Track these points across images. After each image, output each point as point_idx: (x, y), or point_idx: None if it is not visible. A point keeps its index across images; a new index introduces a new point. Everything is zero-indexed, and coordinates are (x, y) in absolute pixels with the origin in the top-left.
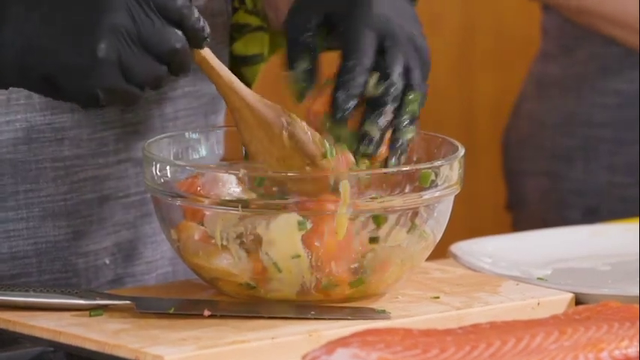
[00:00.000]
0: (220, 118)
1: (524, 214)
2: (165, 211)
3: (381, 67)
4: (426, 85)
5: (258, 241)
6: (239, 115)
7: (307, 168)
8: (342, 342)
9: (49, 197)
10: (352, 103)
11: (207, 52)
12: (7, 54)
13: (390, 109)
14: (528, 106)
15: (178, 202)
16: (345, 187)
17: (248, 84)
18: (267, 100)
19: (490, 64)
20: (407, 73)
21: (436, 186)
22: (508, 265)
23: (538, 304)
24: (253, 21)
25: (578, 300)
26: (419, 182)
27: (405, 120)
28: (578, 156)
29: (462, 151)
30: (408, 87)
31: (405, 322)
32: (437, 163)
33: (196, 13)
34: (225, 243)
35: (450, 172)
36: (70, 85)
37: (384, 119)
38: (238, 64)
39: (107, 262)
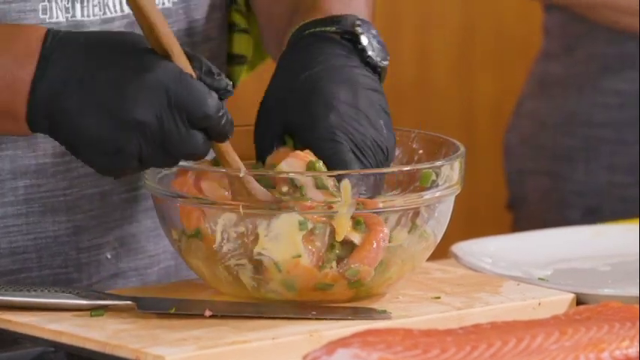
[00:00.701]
0: None
1: (524, 213)
2: (166, 211)
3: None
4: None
5: (258, 241)
6: (238, 193)
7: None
8: (343, 342)
9: (48, 192)
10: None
11: (226, 146)
12: (39, 111)
13: None
14: (529, 106)
15: (179, 202)
16: (346, 187)
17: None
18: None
19: (490, 64)
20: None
21: (437, 186)
22: (509, 265)
23: (539, 304)
24: (242, 22)
25: (579, 300)
26: (420, 182)
27: None
28: (578, 156)
29: (462, 151)
30: None
31: (406, 323)
32: (438, 163)
33: (225, 117)
34: (225, 243)
35: (451, 172)
36: (87, 157)
37: None
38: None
39: (109, 256)
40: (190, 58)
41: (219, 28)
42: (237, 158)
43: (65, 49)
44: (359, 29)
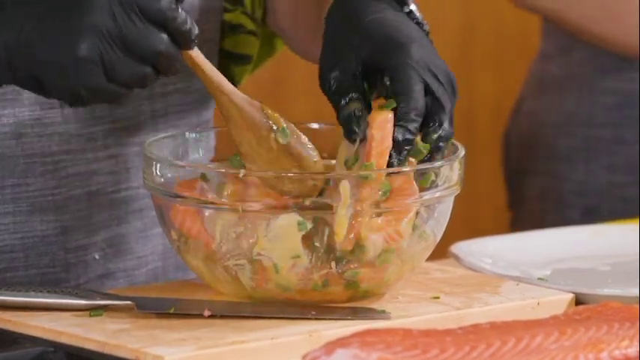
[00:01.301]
0: (210, 114)
1: (523, 213)
2: (166, 211)
3: (431, 111)
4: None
5: (257, 241)
6: (228, 115)
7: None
8: (342, 342)
9: (36, 192)
10: (409, 149)
11: (195, 53)
12: None
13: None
14: (528, 106)
15: (178, 203)
16: (344, 187)
17: (235, 82)
18: (256, 101)
19: (490, 64)
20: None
21: (436, 186)
22: (508, 265)
23: (538, 304)
24: (248, 24)
25: (578, 300)
26: (419, 183)
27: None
28: (577, 156)
29: (462, 152)
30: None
31: (405, 323)
32: (437, 164)
33: (183, 15)
34: (225, 243)
35: (451, 172)
36: (54, 84)
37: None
38: (227, 60)
39: (97, 257)
40: None
41: (213, 32)
42: (209, 64)
43: None
44: None
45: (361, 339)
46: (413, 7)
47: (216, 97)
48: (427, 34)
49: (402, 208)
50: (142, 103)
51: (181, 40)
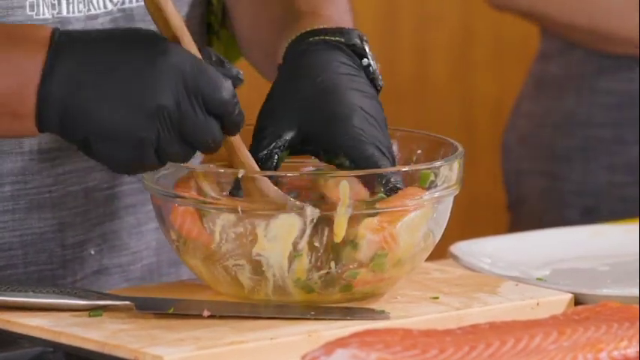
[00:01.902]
0: None
1: (523, 213)
2: (165, 211)
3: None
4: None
5: (256, 241)
6: (249, 194)
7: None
8: (341, 342)
9: (34, 189)
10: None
11: (236, 139)
12: (52, 105)
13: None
14: (528, 106)
15: (177, 203)
16: (344, 187)
17: None
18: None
19: (489, 64)
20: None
21: (436, 186)
22: (507, 265)
23: (537, 304)
24: (216, 24)
25: (577, 300)
26: (418, 183)
27: None
28: (577, 156)
29: (461, 152)
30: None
31: (405, 323)
32: (436, 164)
33: (238, 106)
34: (224, 243)
35: (450, 172)
36: (105, 152)
37: None
38: None
39: (93, 252)
40: (199, 48)
41: (199, 26)
42: (248, 154)
43: (75, 43)
44: (365, 45)
45: (360, 339)
46: (371, 61)
47: (244, 185)
48: (378, 91)
49: (400, 208)
50: None
51: (232, 129)
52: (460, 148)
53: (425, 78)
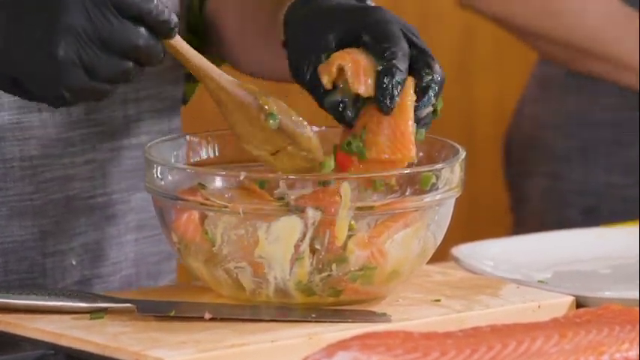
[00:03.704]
0: (180, 121)
1: (525, 214)
2: (166, 213)
3: (417, 58)
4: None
5: (258, 243)
6: (218, 100)
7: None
8: (343, 345)
9: (16, 197)
10: (400, 89)
11: (177, 41)
12: None
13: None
14: (530, 108)
15: (179, 205)
16: (345, 190)
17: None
18: (243, 82)
19: (490, 66)
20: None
21: (437, 189)
22: (509, 268)
23: (539, 307)
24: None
25: (579, 303)
26: (419, 185)
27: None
28: (578, 157)
29: (462, 154)
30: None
31: (406, 325)
32: (438, 166)
33: (159, 5)
34: (225, 245)
35: (451, 175)
36: (35, 87)
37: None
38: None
39: (74, 262)
40: None
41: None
42: (191, 49)
43: None
44: None
45: (362, 342)
46: None
47: (204, 82)
48: None
49: (400, 210)
50: (115, 108)
51: (161, 30)
52: (461, 151)
53: None
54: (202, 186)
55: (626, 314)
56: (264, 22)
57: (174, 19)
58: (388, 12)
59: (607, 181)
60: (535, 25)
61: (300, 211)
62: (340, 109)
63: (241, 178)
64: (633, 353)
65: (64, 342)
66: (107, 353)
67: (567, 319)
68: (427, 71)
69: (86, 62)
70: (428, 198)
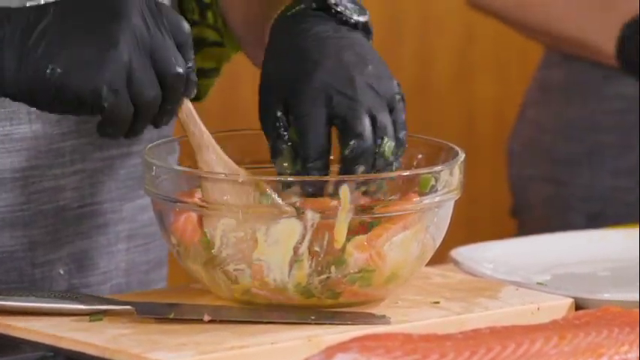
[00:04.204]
0: (170, 130)
1: (529, 219)
2: (165, 216)
3: (347, 133)
4: (402, 128)
5: (257, 246)
6: (204, 165)
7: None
8: (342, 347)
9: (7, 207)
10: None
11: (187, 105)
12: (8, 49)
13: (362, 168)
14: (532, 112)
15: (178, 207)
16: (344, 192)
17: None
18: (233, 163)
19: (491, 68)
20: (376, 125)
21: (436, 191)
22: (508, 270)
23: (538, 309)
24: (211, 35)
25: (578, 305)
26: (419, 187)
27: (381, 166)
28: (581, 161)
29: (462, 157)
30: (382, 139)
31: (405, 327)
32: (437, 169)
33: (194, 61)
34: (225, 248)
35: (450, 177)
36: (78, 77)
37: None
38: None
39: (62, 272)
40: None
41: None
42: (198, 119)
43: (16, 15)
44: None
45: (361, 344)
46: (332, 0)
47: (198, 153)
48: (364, 28)
49: (400, 213)
50: None
51: (189, 83)
52: (461, 153)
53: (426, 82)
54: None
55: (625, 316)
56: (262, 21)
57: (197, 81)
58: (325, 71)
59: (612, 185)
60: (511, 14)
61: (299, 213)
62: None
63: (240, 180)
64: (632, 355)
65: (63, 344)
66: (107, 355)
67: (566, 321)
68: (354, 143)
69: (133, 67)
70: (427, 200)
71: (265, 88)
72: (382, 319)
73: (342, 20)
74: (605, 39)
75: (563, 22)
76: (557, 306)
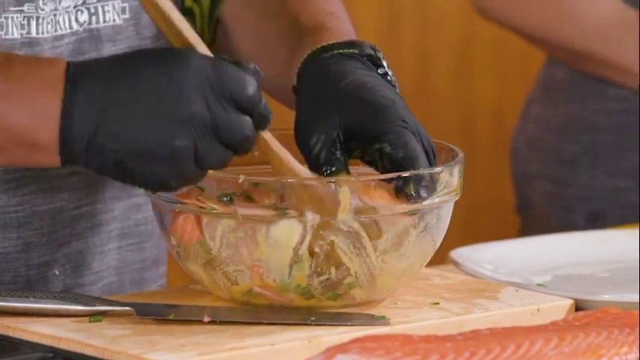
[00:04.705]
0: None
1: (531, 218)
2: (165, 216)
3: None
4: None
5: (256, 246)
6: (293, 194)
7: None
8: (342, 348)
9: (1, 209)
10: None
11: (268, 134)
12: (78, 132)
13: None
14: (536, 110)
15: (177, 208)
16: (345, 193)
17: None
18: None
19: (490, 69)
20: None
21: (436, 192)
22: (508, 271)
23: (538, 310)
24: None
25: (578, 306)
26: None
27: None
28: (582, 161)
29: (461, 157)
30: None
31: (405, 328)
32: (437, 169)
33: (264, 99)
34: (224, 249)
35: (450, 178)
36: (142, 171)
37: None
38: None
39: (57, 273)
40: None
41: (168, 45)
42: (282, 147)
43: (90, 74)
44: (379, 54)
45: (361, 345)
46: (388, 69)
47: (284, 174)
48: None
49: (400, 212)
50: None
51: (262, 122)
52: (460, 154)
53: (426, 83)
54: (201, 189)
55: (625, 317)
56: (282, 57)
57: (271, 111)
58: (405, 110)
59: (612, 186)
60: (537, 31)
61: (299, 214)
62: None
63: (240, 180)
64: (632, 356)
65: (63, 345)
66: (106, 356)
67: (566, 322)
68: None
69: (199, 151)
70: (427, 201)
71: (317, 114)
72: (382, 320)
73: (387, 81)
74: (633, 60)
75: (590, 41)
76: (557, 307)
